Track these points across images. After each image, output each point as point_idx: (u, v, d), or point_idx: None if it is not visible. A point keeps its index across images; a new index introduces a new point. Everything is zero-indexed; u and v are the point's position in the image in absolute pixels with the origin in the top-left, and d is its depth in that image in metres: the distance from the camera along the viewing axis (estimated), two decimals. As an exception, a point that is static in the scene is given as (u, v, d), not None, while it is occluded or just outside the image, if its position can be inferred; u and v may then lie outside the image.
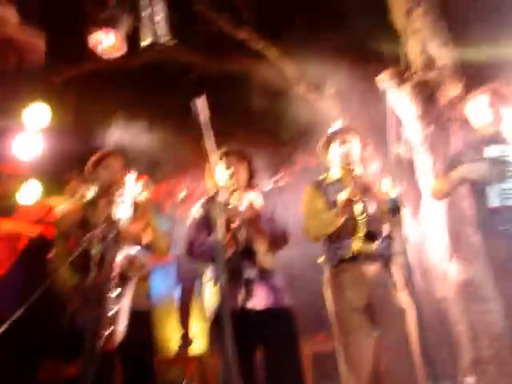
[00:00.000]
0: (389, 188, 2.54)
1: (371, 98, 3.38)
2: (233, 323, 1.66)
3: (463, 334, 3.20)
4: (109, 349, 2.18)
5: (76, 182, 4.36)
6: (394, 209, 1.82)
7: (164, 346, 4.57)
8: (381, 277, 2.46)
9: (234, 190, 2.57)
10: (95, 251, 2.02)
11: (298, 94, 4.32)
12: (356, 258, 2.46)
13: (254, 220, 2.48)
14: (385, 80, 3.63)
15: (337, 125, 2.77)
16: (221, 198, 1.94)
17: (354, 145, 2.65)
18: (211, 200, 2.42)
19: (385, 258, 2.48)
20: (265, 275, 2.48)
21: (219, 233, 1.83)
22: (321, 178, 2.75)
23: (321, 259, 2.64)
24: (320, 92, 4.23)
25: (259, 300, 2.41)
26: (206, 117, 1.82)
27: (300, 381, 2.44)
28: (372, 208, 2.50)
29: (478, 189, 2.66)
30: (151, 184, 4.39)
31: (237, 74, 4.46)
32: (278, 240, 2.58)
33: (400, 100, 3.73)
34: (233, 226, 2.40)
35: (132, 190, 2.50)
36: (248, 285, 2.41)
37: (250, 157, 2.76)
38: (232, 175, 2.60)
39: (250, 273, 2.45)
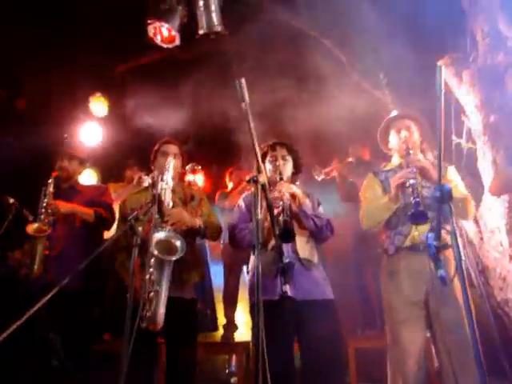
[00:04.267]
0: (454, 176, 2.42)
1: (427, 87, 3.20)
2: (271, 311, 1.63)
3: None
4: (151, 330, 2.21)
5: (132, 170, 4.53)
6: (444, 197, 1.65)
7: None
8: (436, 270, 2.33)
9: (279, 181, 2.55)
10: (140, 231, 2.04)
11: (351, 82, 4.21)
12: (415, 247, 2.38)
13: (296, 212, 2.47)
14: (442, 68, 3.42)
15: (394, 113, 2.75)
16: (262, 183, 1.90)
17: (413, 131, 2.61)
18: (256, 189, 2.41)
19: (435, 250, 2.34)
20: (306, 265, 2.46)
21: (259, 216, 1.80)
22: (382, 165, 2.75)
23: (379, 249, 2.60)
24: (374, 81, 4.09)
25: (299, 290, 2.37)
26: (247, 100, 1.71)
27: (342, 373, 2.38)
28: (429, 193, 2.39)
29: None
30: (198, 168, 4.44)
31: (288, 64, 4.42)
32: (320, 233, 2.55)
33: (459, 88, 3.51)
34: (275, 211, 2.36)
35: (173, 171, 2.56)
36: (287, 273, 2.37)
37: (296, 152, 2.79)
38: (278, 168, 2.62)
39: (289, 260, 2.40)
